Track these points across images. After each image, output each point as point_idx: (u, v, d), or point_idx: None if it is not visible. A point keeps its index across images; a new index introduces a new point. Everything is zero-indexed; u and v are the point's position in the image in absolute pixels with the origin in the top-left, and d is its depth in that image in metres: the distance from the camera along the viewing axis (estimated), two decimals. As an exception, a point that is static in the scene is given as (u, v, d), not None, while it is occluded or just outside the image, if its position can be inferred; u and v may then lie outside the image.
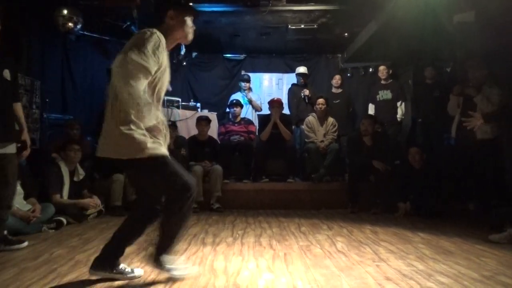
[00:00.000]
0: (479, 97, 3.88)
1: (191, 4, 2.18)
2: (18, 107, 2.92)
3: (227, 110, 6.31)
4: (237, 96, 6.75)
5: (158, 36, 1.95)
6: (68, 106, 6.38)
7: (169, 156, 2.01)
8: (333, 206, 5.16)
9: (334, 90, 6.60)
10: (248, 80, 6.75)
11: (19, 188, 3.33)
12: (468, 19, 4.55)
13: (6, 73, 2.78)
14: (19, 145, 2.87)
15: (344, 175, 5.48)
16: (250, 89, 6.79)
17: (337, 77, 6.62)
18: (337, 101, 6.45)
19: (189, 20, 2.13)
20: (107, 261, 2.09)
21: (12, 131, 2.80)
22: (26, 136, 2.92)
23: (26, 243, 2.92)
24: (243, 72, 7.41)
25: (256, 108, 6.73)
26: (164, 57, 2.00)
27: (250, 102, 6.64)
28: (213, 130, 6.00)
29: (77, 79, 6.55)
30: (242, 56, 8.02)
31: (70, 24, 5.24)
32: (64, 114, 6.11)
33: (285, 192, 5.30)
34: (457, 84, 4.47)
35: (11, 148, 2.77)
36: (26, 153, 2.94)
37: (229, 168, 5.44)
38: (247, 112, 6.51)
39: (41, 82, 5.80)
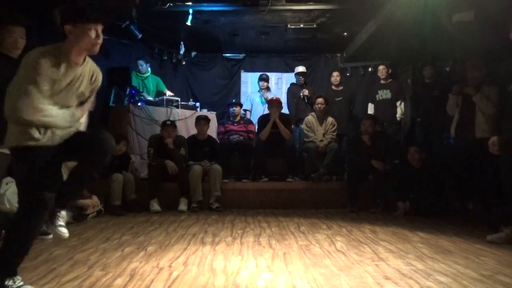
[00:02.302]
0: (478, 96, 3.88)
1: (86, 14, 2.06)
2: None
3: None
4: (254, 95, 6.75)
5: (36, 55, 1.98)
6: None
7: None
8: (332, 205, 5.16)
9: (334, 87, 6.48)
10: (266, 79, 6.72)
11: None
12: (467, 18, 4.56)
13: None
14: None
15: (343, 174, 5.48)
16: (268, 88, 6.77)
17: (335, 74, 6.48)
18: (338, 99, 6.35)
19: (91, 32, 2.04)
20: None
21: None
22: None
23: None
24: (242, 72, 7.40)
25: None
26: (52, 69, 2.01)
27: (267, 101, 6.61)
28: (213, 130, 6.00)
29: (76, 79, 6.55)
30: (241, 56, 8.02)
31: (69, 23, 5.22)
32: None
33: (284, 191, 5.30)
34: (456, 83, 4.47)
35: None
36: None
37: (229, 167, 5.44)
38: (264, 112, 6.47)
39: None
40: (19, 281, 1.92)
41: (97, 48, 2.09)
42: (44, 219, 2.00)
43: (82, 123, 2.23)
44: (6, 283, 1.88)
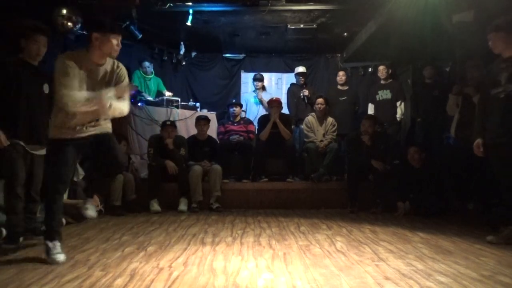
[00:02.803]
0: (478, 96, 3.88)
1: (113, 26, 2.51)
2: None
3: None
4: (249, 95, 6.76)
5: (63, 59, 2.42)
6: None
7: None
8: (332, 205, 5.17)
9: (339, 87, 6.48)
10: (260, 79, 6.74)
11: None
12: (467, 18, 4.55)
13: (46, 88, 3.14)
14: None
15: (343, 174, 5.48)
16: (263, 88, 6.79)
17: (341, 73, 6.50)
18: (343, 98, 6.36)
19: (114, 40, 2.48)
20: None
21: (44, 138, 3.12)
22: None
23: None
24: (242, 72, 7.40)
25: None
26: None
27: (261, 102, 6.62)
28: (213, 130, 6.00)
29: (76, 79, 6.55)
30: (241, 56, 8.01)
31: (69, 23, 5.22)
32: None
33: (284, 191, 5.30)
34: (456, 83, 4.47)
35: (43, 151, 3.17)
36: None
37: (229, 167, 5.44)
38: (258, 112, 6.49)
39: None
40: (58, 247, 2.52)
41: (116, 53, 2.54)
42: (61, 199, 2.63)
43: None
44: (49, 245, 2.50)
